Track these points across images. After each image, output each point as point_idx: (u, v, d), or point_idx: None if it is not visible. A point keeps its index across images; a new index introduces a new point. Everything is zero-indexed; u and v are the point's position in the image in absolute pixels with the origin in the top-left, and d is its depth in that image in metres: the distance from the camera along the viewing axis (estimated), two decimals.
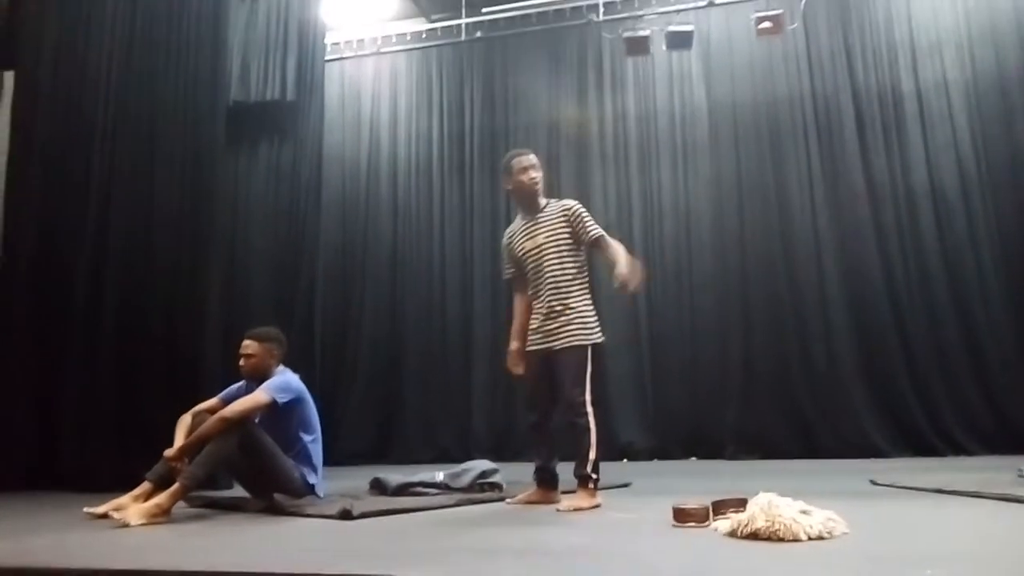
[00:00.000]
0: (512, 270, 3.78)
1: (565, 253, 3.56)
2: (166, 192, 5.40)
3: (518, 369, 3.69)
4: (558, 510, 3.26)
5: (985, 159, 6.90)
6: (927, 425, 6.50)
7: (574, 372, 3.41)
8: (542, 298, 3.57)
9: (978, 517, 2.80)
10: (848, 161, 7.24)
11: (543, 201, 3.71)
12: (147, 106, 5.52)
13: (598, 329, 3.52)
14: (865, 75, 7.36)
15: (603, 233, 3.56)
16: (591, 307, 3.55)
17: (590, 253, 3.69)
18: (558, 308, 3.50)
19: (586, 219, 3.58)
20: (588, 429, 3.34)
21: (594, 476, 3.35)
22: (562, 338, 3.47)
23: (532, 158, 3.74)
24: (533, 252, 3.62)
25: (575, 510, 3.23)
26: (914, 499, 3.42)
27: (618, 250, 3.43)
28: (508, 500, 3.66)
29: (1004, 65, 6.95)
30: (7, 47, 5.96)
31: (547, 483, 3.59)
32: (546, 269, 3.56)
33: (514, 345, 3.72)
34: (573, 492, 3.42)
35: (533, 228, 3.66)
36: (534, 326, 3.59)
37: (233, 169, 6.78)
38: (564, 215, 3.59)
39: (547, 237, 3.59)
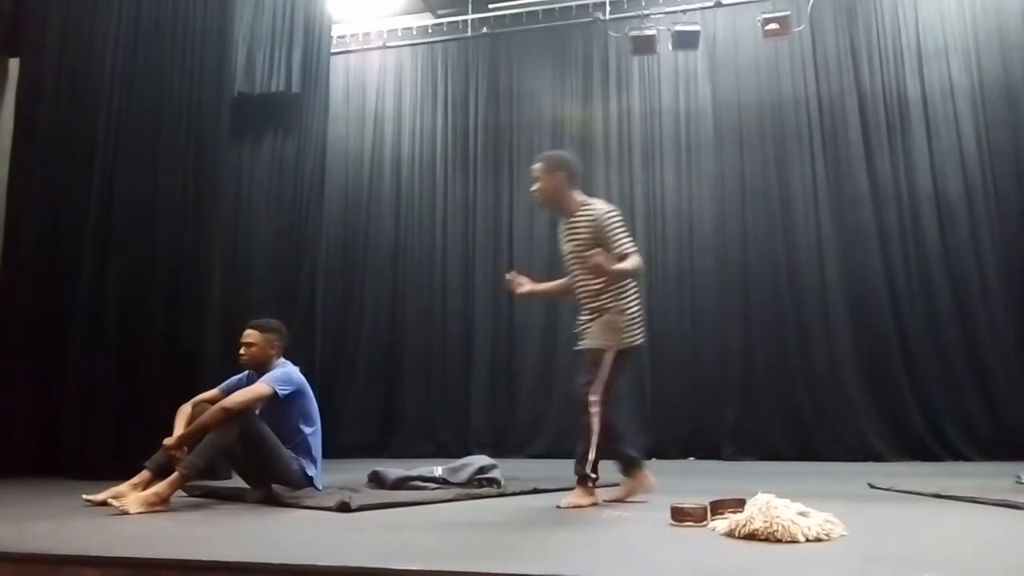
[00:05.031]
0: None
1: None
2: (169, 182, 5.41)
3: (518, 286, 3.66)
4: (558, 506, 3.26)
5: (990, 165, 6.88)
6: (926, 430, 6.50)
7: (588, 371, 3.37)
8: (578, 300, 3.57)
9: (976, 522, 2.80)
10: (852, 164, 7.23)
11: (576, 202, 3.57)
12: (151, 96, 5.52)
13: (631, 333, 3.43)
14: (871, 78, 7.35)
15: (631, 253, 3.39)
16: (624, 313, 3.42)
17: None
18: (585, 314, 3.51)
19: (613, 232, 3.42)
20: (591, 428, 3.30)
21: (593, 476, 3.34)
22: (582, 340, 3.49)
23: (533, 169, 3.69)
24: (566, 256, 3.61)
25: (574, 507, 3.24)
26: (912, 503, 3.43)
27: (624, 265, 3.35)
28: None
29: (1011, 72, 6.93)
30: (12, 34, 5.96)
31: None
32: (576, 275, 3.55)
33: (529, 285, 3.69)
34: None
35: (565, 233, 3.62)
36: (578, 326, 3.57)
37: (236, 161, 6.76)
38: (590, 223, 3.47)
39: (574, 245, 3.52)
